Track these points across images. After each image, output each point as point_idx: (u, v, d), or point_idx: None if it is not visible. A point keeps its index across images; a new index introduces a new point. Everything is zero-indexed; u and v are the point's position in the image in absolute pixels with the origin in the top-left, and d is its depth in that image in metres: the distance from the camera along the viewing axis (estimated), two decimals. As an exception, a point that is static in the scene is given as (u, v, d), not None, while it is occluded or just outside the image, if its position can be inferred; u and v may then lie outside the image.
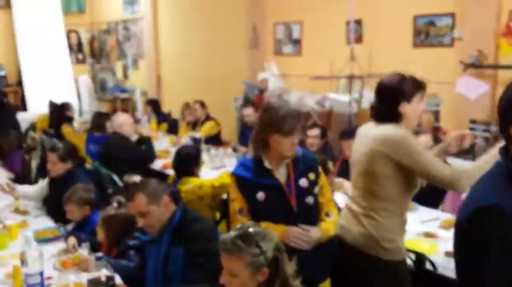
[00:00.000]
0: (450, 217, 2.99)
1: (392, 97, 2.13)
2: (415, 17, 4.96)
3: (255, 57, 6.76)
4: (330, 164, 3.01)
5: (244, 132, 5.29)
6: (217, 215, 3.64)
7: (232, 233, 1.69)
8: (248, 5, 6.82)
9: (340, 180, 3.41)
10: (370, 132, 2.20)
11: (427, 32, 4.92)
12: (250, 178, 2.11)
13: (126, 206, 2.58)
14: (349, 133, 3.99)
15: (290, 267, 1.68)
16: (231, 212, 2.16)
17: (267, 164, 2.10)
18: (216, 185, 3.42)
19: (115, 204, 2.68)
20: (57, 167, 3.39)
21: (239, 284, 1.65)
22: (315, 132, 4.30)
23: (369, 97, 5.09)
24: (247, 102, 6.19)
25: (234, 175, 2.18)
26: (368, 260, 2.10)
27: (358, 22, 5.44)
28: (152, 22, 9.07)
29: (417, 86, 2.14)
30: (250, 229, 1.66)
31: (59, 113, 6.28)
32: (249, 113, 5.31)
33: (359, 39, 5.47)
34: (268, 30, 6.63)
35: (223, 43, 7.39)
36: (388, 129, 2.11)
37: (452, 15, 4.69)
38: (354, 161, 2.30)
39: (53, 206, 3.25)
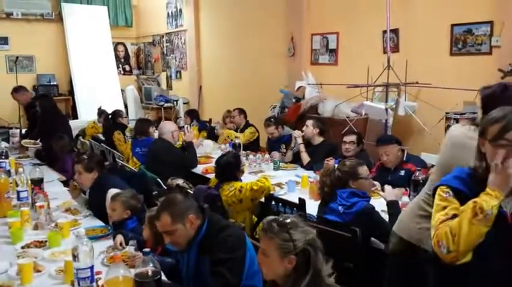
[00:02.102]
0: None
1: None
2: (452, 25, 4.95)
3: (292, 67, 6.90)
4: (364, 169, 3.05)
5: (272, 145, 5.39)
6: (255, 219, 3.77)
7: (273, 217, 1.85)
8: (286, 17, 6.98)
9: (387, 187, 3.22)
10: None
11: (464, 40, 4.91)
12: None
13: None
14: (386, 140, 4.04)
15: (325, 267, 1.76)
16: (436, 223, 1.61)
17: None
18: (255, 188, 3.52)
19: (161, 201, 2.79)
20: (83, 177, 3.48)
21: (269, 265, 1.79)
22: (350, 138, 4.38)
23: (404, 105, 5.12)
24: (283, 108, 6.33)
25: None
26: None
27: (395, 31, 5.48)
28: (195, 35, 9.37)
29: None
30: (289, 218, 1.81)
31: (112, 120, 6.57)
32: (272, 131, 5.35)
33: (395, 48, 5.51)
34: (305, 41, 6.76)
35: (262, 53, 7.57)
36: None
37: (490, 23, 4.67)
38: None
39: (92, 211, 3.42)
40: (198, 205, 2.35)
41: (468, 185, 1.61)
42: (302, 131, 4.87)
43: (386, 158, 3.89)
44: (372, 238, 2.85)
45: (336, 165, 3.25)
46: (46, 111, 5.60)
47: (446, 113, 4.62)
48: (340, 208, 2.90)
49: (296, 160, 4.95)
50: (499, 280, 1.59)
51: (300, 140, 4.83)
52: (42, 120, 5.66)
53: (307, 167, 4.58)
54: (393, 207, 2.90)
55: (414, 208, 2.30)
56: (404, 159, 3.91)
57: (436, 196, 1.67)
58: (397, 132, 4.98)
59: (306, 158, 4.71)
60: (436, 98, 4.86)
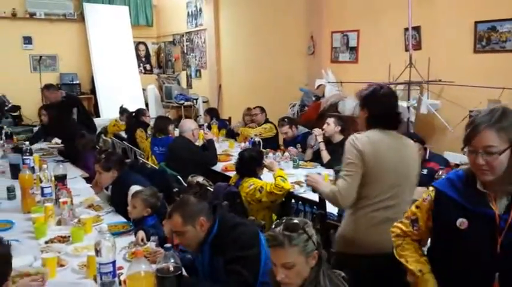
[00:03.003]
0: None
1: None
2: (476, 22, 4.86)
3: (312, 65, 6.86)
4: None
5: (287, 146, 5.37)
6: (274, 217, 3.77)
7: (277, 228, 1.74)
8: (306, 15, 6.95)
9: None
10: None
11: (488, 38, 4.81)
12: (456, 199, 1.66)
13: None
14: (408, 137, 3.98)
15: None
16: (406, 215, 1.85)
17: (480, 187, 1.62)
18: (275, 191, 3.51)
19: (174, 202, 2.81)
20: (103, 176, 3.54)
21: (297, 274, 1.72)
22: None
23: (427, 103, 5.05)
24: (303, 107, 6.31)
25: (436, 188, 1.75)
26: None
27: (417, 29, 5.41)
28: (214, 34, 9.41)
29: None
30: (292, 219, 1.78)
31: (135, 118, 6.65)
32: (285, 130, 5.35)
33: (418, 45, 5.44)
34: (325, 39, 6.72)
35: (282, 52, 7.56)
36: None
37: (515, 19, 4.57)
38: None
39: (114, 208, 3.48)
40: (209, 206, 2.33)
41: (456, 187, 1.67)
42: (322, 130, 4.84)
43: None
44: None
45: None
46: (51, 119, 5.72)
47: (470, 111, 4.54)
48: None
49: (316, 158, 4.92)
50: (487, 279, 1.59)
51: (320, 138, 4.81)
52: (50, 126, 5.78)
53: (327, 166, 4.55)
54: None
55: None
56: (427, 157, 3.85)
57: (424, 192, 1.82)
58: (419, 131, 4.92)
59: (326, 156, 4.68)
60: (460, 96, 4.78)
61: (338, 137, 4.82)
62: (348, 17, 6.42)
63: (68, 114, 5.86)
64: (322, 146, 4.74)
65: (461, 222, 1.61)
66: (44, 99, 6.08)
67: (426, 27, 5.39)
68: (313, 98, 6.33)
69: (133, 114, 6.79)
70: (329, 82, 6.20)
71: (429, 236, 1.81)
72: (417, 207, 1.81)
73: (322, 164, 4.74)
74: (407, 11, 5.01)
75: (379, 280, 2.17)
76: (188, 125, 5.04)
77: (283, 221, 1.78)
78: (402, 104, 5.12)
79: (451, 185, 1.68)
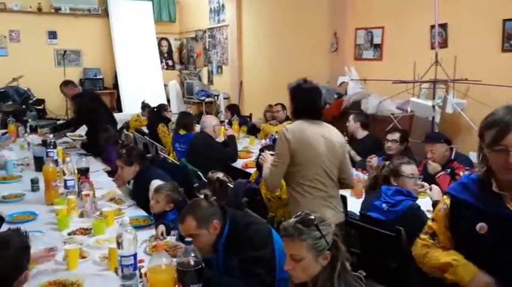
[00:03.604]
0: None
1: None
2: (504, 20, 4.74)
3: (335, 62, 6.80)
4: (409, 168, 2.97)
5: None
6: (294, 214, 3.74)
7: (292, 219, 1.73)
8: (330, 11, 6.88)
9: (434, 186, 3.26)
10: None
11: (517, 36, 4.69)
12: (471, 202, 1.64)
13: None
14: (433, 137, 3.93)
15: (345, 250, 1.73)
16: (424, 230, 1.82)
17: (495, 188, 1.59)
18: None
19: (201, 196, 2.81)
20: (125, 171, 3.55)
21: (303, 269, 1.70)
22: (393, 136, 4.27)
23: (452, 102, 4.95)
24: (325, 104, 6.25)
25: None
26: None
27: (443, 26, 5.30)
28: (236, 30, 9.40)
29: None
30: (310, 215, 1.73)
31: (157, 114, 6.70)
32: None
33: (444, 43, 5.33)
34: (348, 36, 6.64)
35: (304, 49, 7.50)
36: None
37: (545, 18, 4.44)
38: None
39: (136, 201, 3.50)
40: (220, 208, 2.32)
41: (471, 191, 1.63)
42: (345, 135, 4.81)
43: (431, 156, 3.77)
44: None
45: (386, 162, 3.17)
46: (82, 110, 5.78)
47: (497, 111, 4.43)
48: (384, 205, 2.83)
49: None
50: (508, 281, 1.55)
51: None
52: (80, 118, 5.84)
53: (358, 166, 4.48)
54: None
55: None
56: (452, 157, 3.77)
57: (440, 201, 1.79)
58: (444, 131, 4.82)
59: (354, 155, 4.67)
60: (486, 95, 4.66)
61: (361, 133, 4.78)
62: (373, 13, 6.33)
63: (95, 107, 5.94)
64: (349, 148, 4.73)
65: (481, 226, 1.59)
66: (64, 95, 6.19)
67: (453, 24, 5.28)
68: (335, 96, 6.27)
69: (155, 109, 6.83)
70: (352, 79, 6.13)
71: (453, 243, 1.75)
72: (433, 220, 1.78)
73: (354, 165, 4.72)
74: (434, 8, 4.91)
75: None
76: (209, 121, 5.04)
77: (302, 214, 1.76)
78: (427, 103, 5.04)
79: (466, 190, 1.66)
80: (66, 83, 6.03)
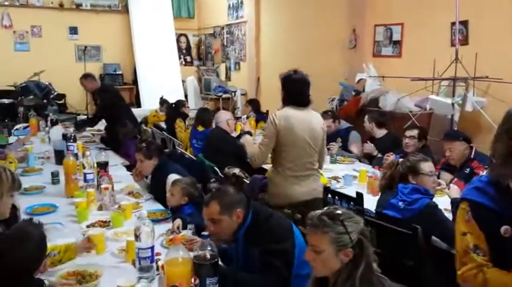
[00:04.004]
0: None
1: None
2: (528, 16, 4.66)
3: (353, 59, 6.76)
4: (427, 165, 2.94)
5: (328, 140, 5.26)
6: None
7: (320, 211, 1.72)
8: (348, 8, 6.84)
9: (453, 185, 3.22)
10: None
11: (541, 33, 4.60)
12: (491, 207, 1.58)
13: None
14: (452, 135, 3.86)
15: (371, 252, 1.69)
16: (459, 249, 1.65)
17: None
18: None
19: (214, 190, 2.84)
20: (145, 164, 3.57)
21: (323, 261, 1.68)
22: (411, 133, 4.23)
23: (472, 100, 4.88)
24: (342, 101, 6.22)
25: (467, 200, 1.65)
26: None
27: (464, 23, 5.22)
28: (254, 26, 9.40)
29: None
30: (337, 209, 1.72)
31: (175, 109, 6.76)
32: (329, 124, 5.07)
33: (464, 40, 5.25)
34: (367, 32, 6.59)
35: (322, 45, 7.47)
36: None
37: None
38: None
39: (153, 195, 3.54)
40: (246, 198, 2.33)
41: (490, 195, 1.55)
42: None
43: (450, 154, 3.73)
44: (434, 237, 2.74)
45: (400, 159, 3.15)
46: (105, 104, 5.85)
47: (519, 109, 4.35)
48: (400, 203, 2.81)
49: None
50: None
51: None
52: (102, 112, 5.93)
53: (374, 164, 4.46)
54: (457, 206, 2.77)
55: None
56: (472, 156, 3.72)
57: (459, 211, 1.66)
58: (463, 129, 4.76)
59: (373, 149, 4.67)
60: (507, 93, 4.59)
61: (380, 132, 4.75)
62: (392, 10, 6.27)
63: (116, 102, 6.02)
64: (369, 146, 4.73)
65: (506, 229, 1.54)
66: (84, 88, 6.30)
67: (474, 21, 5.21)
68: (353, 93, 6.24)
69: (174, 105, 6.89)
70: (370, 76, 6.08)
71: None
72: (464, 234, 1.63)
73: (360, 160, 4.70)
74: (455, 4, 4.84)
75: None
76: (223, 115, 5.07)
77: (330, 207, 1.76)
78: (446, 100, 4.98)
79: (483, 194, 1.59)
80: (86, 76, 6.13)
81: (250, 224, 2.27)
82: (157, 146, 3.80)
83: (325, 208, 1.76)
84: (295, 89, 3.24)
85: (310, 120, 3.19)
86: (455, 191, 2.88)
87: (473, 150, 3.77)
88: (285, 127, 3.11)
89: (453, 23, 5.14)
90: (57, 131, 5.33)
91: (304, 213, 2.44)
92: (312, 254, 1.70)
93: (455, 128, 4.92)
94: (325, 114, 5.35)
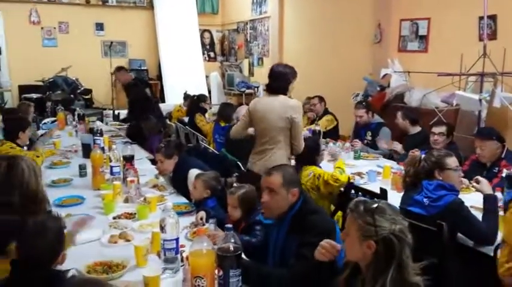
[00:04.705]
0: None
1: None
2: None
3: (378, 54, 6.68)
4: (452, 160, 2.90)
5: (358, 132, 5.27)
6: (332, 208, 3.73)
7: (362, 199, 1.82)
8: (374, 2, 6.76)
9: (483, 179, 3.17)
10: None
11: None
12: None
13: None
14: (485, 134, 3.78)
15: (411, 263, 1.66)
16: None
17: None
18: (331, 182, 3.47)
19: (235, 184, 2.87)
20: (165, 164, 3.63)
21: (348, 245, 1.75)
22: (440, 129, 4.17)
23: (500, 96, 4.78)
24: (366, 97, 6.16)
25: None
26: None
27: (493, 17, 5.11)
28: (278, 22, 9.37)
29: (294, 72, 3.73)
30: (375, 203, 1.75)
31: (196, 104, 6.82)
32: (361, 113, 5.15)
33: (493, 35, 5.14)
34: (393, 27, 6.51)
35: (347, 40, 7.41)
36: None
37: None
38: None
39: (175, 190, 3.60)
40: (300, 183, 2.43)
41: None
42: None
43: (480, 152, 3.67)
44: (459, 234, 2.71)
45: (423, 155, 3.11)
46: (135, 98, 5.95)
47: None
48: (425, 200, 2.78)
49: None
50: None
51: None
52: (132, 106, 6.03)
53: (400, 160, 4.42)
54: (490, 202, 2.72)
55: None
56: (503, 156, 3.65)
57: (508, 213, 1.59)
58: (491, 125, 4.66)
59: (400, 148, 4.65)
60: (538, 89, 4.49)
61: (414, 129, 4.71)
62: (418, 4, 6.17)
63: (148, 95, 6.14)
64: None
65: None
66: (116, 81, 6.46)
67: (503, 16, 5.09)
68: (378, 88, 6.17)
69: (195, 97, 6.94)
70: (395, 72, 6.01)
71: None
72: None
73: (392, 157, 4.69)
74: (483, -2, 4.75)
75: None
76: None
77: (374, 199, 1.82)
78: (474, 96, 4.89)
79: None
80: (119, 69, 6.28)
81: (298, 211, 2.32)
82: (175, 143, 3.86)
83: (372, 200, 1.82)
84: (274, 80, 3.68)
85: (275, 106, 3.60)
86: (487, 185, 2.83)
87: (505, 149, 3.69)
88: (254, 109, 3.72)
89: (481, 18, 5.04)
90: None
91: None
92: (344, 235, 1.78)
93: (483, 125, 4.83)
94: (358, 105, 5.33)
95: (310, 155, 3.72)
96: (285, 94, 3.66)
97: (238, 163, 4.41)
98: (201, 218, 2.77)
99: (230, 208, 2.73)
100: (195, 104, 6.82)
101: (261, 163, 3.60)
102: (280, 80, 3.64)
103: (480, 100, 4.80)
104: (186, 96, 7.54)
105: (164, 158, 3.63)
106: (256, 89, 9.92)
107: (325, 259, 1.92)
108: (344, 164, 3.86)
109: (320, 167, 3.76)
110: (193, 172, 3.31)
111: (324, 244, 1.93)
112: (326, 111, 6.14)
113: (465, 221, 2.65)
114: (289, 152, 3.66)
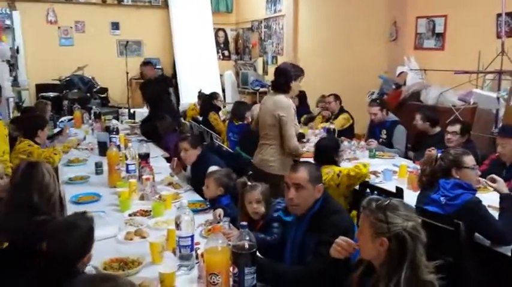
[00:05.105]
0: None
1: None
2: None
3: (393, 52, 6.63)
4: (469, 159, 2.86)
5: (373, 130, 5.23)
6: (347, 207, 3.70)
7: (376, 196, 1.83)
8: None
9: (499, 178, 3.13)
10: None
11: None
12: None
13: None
14: (508, 132, 3.68)
15: (425, 261, 1.65)
16: None
17: None
18: (352, 174, 3.46)
19: (248, 183, 2.86)
20: (189, 153, 3.68)
21: (362, 242, 1.75)
22: (453, 128, 4.12)
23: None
24: (382, 95, 6.11)
25: None
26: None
27: (511, 15, 5.03)
28: (293, 20, 9.34)
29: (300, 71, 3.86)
30: (387, 200, 1.74)
31: (208, 102, 6.84)
32: (375, 111, 5.07)
33: (511, 32, 5.06)
34: (409, 24, 6.44)
35: (362, 38, 7.36)
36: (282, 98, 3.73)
37: None
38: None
39: (193, 185, 3.61)
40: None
41: None
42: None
43: (501, 150, 3.60)
44: (476, 233, 2.68)
45: (439, 154, 3.08)
46: (147, 96, 5.99)
47: None
48: (442, 199, 2.75)
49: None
50: None
51: None
52: (148, 104, 6.07)
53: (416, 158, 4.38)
54: (507, 201, 2.68)
55: None
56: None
57: None
58: (508, 124, 4.59)
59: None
60: (558, 87, 4.41)
61: (434, 130, 4.64)
62: (435, 1, 6.10)
63: (165, 92, 6.19)
64: None
65: None
66: (142, 75, 6.56)
67: (522, 12, 5.01)
68: (393, 86, 6.11)
69: (207, 96, 6.96)
70: (411, 70, 5.95)
71: None
72: None
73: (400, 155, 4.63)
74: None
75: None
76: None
77: (388, 197, 1.79)
78: (491, 94, 4.82)
79: None
80: (146, 63, 6.37)
81: (318, 209, 2.33)
82: (201, 136, 3.92)
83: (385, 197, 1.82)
84: (276, 79, 3.84)
85: (268, 104, 3.82)
86: (503, 185, 2.79)
87: None
88: (258, 110, 4.13)
89: (499, 15, 4.97)
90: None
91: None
92: (358, 233, 1.79)
93: (500, 123, 4.75)
94: (372, 102, 5.28)
95: (328, 154, 3.68)
96: (287, 92, 3.76)
97: (252, 161, 4.41)
98: (219, 215, 2.79)
99: (254, 204, 2.70)
100: (207, 102, 6.85)
101: (258, 156, 3.86)
102: (281, 78, 3.76)
103: (498, 98, 4.74)
104: (200, 95, 7.57)
105: (190, 147, 3.68)
106: (270, 87, 9.89)
107: (341, 256, 1.91)
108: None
109: (340, 166, 3.74)
110: (213, 169, 3.32)
111: (339, 242, 1.92)
112: (342, 110, 6.09)
113: (482, 220, 2.62)
114: (281, 149, 3.76)
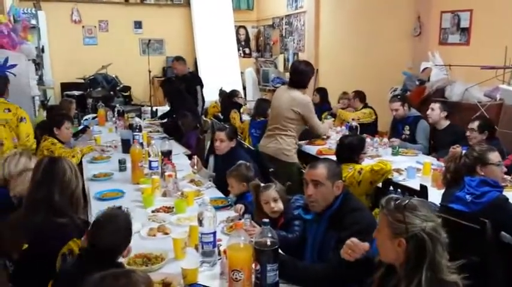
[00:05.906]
0: None
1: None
2: None
3: (417, 47, 6.52)
4: (494, 155, 2.80)
5: (395, 126, 5.15)
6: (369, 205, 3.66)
7: (395, 196, 1.78)
8: (413, -6, 6.60)
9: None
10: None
11: None
12: None
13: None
14: None
15: (446, 262, 1.62)
16: None
17: None
18: (376, 169, 3.40)
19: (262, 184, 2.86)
20: (224, 144, 3.78)
21: (381, 240, 1.72)
22: (472, 125, 4.05)
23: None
24: (405, 91, 6.02)
25: None
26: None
27: (541, 7, 4.90)
28: (314, 16, 9.28)
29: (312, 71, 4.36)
30: (406, 200, 1.70)
31: (229, 100, 6.86)
32: (396, 107, 5.01)
33: (540, 26, 4.93)
34: (433, 19, 6.32)
35: (384, 34, 7.26)
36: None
37: None
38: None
39: (218, 180, 3.63)
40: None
41: None
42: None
43: None
44: (503, 232, 2.62)
45: (464, 151, 3.02)
46: (170, 94, 6.05)
47: None
48: (467, 196, 2.70)
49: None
50: None
51: None
52: (168, 101, 6.13)
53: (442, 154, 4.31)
54: None
55: None
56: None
57: None
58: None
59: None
60: None
61: (443, 123, 4.57)
62: (460, -5, 5.98)
63: (186, 90, 6.26)
64: None
65: None
66: (173, 71, 6.74)
67: (552, 5, 4.86)
68: (417, 83, 6.01)
69: (227, 95, 6.99)
70: (436, 65, 5.84)
71: None
72: None
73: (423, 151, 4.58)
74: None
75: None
76: None
77: (407, 197, 1.76)
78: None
79: None
80: (178, 59, 6.51)
81: (338, 208, 2.31)
82: (236, 131, 4.05)
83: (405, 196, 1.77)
84: (294, 76, 4.26)
85: (283, 96, 4.23)
86: None
87: None
88: (272, 100, 4.54)
89: (528, 8, 4.83)
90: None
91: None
92: (376, 233, 1.75)
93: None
94: (393, 98, 5.23)
95: (351, 153, 3.63)
96: (304, 88, 4.24)
97: (261, 149, 4.44)
98: (240, 209, 2.80)
99: (272, 203, 2.69)
100: (228, 99, 6.87)
101: (272, 145, 4.23)
102: (301, 76, 4.20)
103: (526, 94, 4.61)
104: (221, 93, 7.59)
105: (226, 139, 3.78)
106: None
107: (351, 258, 1.90)
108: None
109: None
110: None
111: (349, 243, 1.91)
112: (366, 107, 6.05)
113: (510, 218, 2.56)
114: (296, 140, 4.28)
